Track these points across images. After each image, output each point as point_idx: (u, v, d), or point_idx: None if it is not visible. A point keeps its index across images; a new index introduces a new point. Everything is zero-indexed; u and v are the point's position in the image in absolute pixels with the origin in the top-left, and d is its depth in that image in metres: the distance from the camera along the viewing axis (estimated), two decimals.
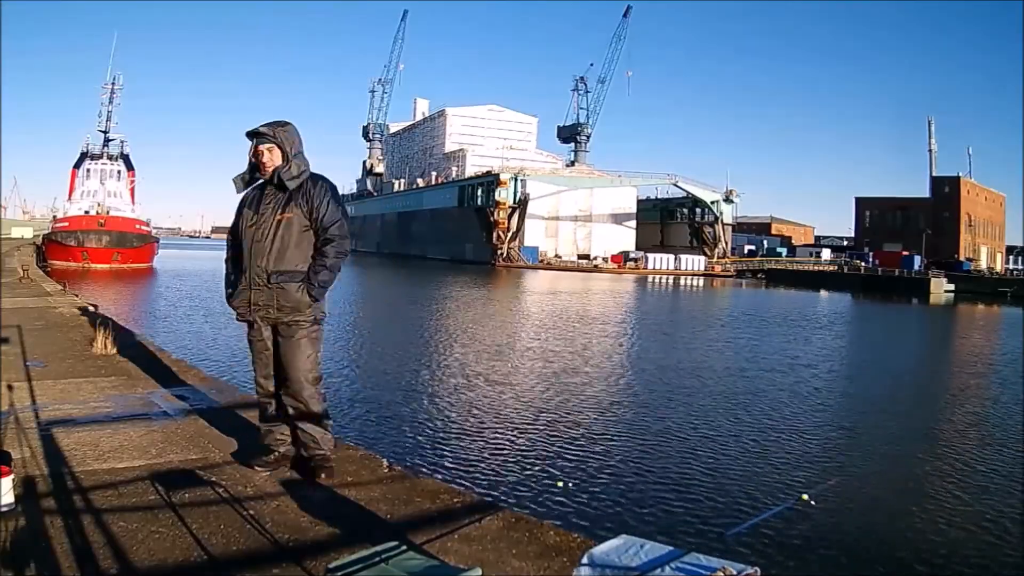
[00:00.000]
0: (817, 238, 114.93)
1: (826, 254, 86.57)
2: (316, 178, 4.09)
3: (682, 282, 64.45)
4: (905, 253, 75.13)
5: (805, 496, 2.43)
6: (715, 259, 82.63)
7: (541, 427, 10.01)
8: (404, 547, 2.28)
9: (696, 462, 8.73)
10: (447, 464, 8.18)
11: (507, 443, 9.15)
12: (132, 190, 49.79)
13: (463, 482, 7.21)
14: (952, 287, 58.91)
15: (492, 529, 3.50)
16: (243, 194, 4.21)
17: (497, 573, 3.03)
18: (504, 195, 78.98)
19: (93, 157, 48.91)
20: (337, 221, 4.05)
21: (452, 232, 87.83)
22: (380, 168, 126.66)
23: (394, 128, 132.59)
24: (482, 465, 8.20)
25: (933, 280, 58.57)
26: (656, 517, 6.82)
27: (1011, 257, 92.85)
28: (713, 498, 7.45)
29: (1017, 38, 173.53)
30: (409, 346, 17.68)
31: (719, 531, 5.90)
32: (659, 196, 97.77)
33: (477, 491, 6.62)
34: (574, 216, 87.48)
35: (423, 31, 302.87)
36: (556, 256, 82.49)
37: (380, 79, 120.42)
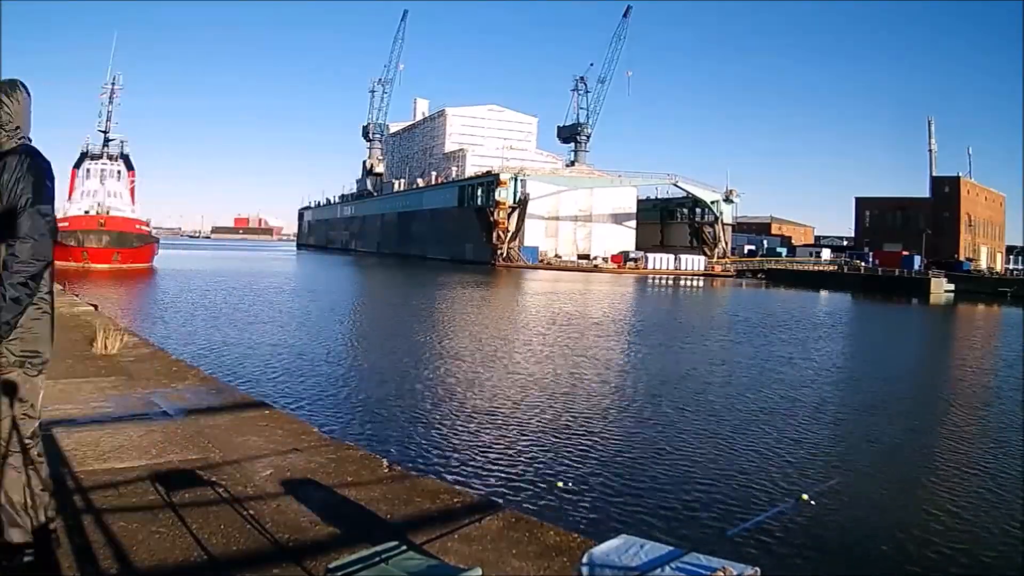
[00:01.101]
0: (817, 238, 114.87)
1: (826, 254, 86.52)
2: (23, 151, 2.83)
3: (682, 282, 64.45)
4: (905, 253, 75.06)
5: (805, 496, 2.41)
6: (715, 259, 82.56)
7: (541, 427, 10.01)
8: (404, 547, 2.28)
9: (696, 462, 8.73)
10: (447, 464, 8.17)
11: (507, 443, 9.14)
12: (132, 190, 49.82)
13: (463, 482, 7.20)
14: (952, 287, 58.87)
15: (492, 529, 3.50)
16: None
17: (497, 573, 3.03)
18: (504, 195, 78.92)
19: (93, 157, 48.93)
20: (24, 209, 2.70)
21: (452, 232, 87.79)
22: (380, 168, 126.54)
23: (394, 128, 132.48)
24: (482, 465, 8.20)
25: (933, 280, 58.53)
26: (656, 517, 6.82)
27: (1011, 257, 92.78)
28: (713, 498, 7.44)
29: (1017, 38, 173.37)
30: (408, 347, 17.67)
31: (719, 531, 5.89)
32: (659, 196, 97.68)
33: (477, 491, 6.62)
34: (574, 216, 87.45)
35: (423, 31, 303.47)
36: (556, 256, 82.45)
37: (380, 79, 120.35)
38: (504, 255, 76.87)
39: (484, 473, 7.91)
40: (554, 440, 9.35)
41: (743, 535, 4.93)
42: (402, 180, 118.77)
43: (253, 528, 3.38)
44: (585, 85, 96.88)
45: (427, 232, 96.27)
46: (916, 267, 69.89)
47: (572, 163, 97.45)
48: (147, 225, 48.21)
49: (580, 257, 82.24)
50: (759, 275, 74.72)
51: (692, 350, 19.28)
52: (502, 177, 79.51)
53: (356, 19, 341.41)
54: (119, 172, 49.13)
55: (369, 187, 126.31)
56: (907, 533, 6.82)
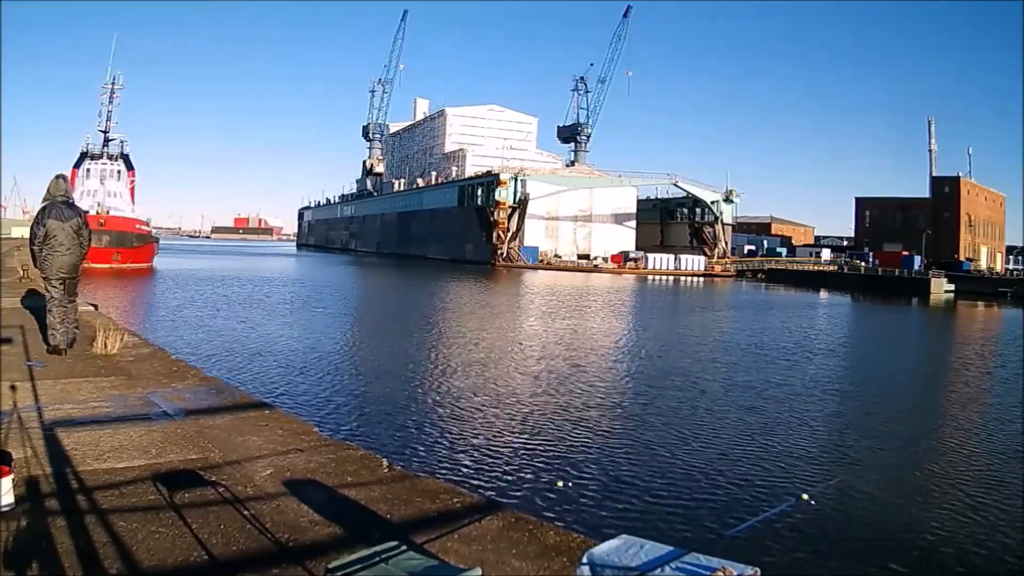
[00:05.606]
0: (817, 238, 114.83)
1: (826, 254, 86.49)
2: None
3: (682, 282, 64.39)
4: (905, 253, 75.02)
5: (805, 496, 2.41)
6: (715, 259, 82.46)
7: (541, 427, 10.01)
8: (404, 547, 2.28)
9: (696, 462, 8.73)
10: (447, 464, 8.18)
11: (507, 443, 9.14)
12: (132, 190, 49.80)
13: (463, 482, 7.20)
14: (952, 287, 58.79)
15: (492, 529, 3.50)
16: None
17: (497, 573, 3.03)
18: (504, 195, 78.91)
19: (93, 157, 48.89)
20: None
21: (452, 232, 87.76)
22: (380, 168, 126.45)
23: (394, 128, 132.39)
24: (482, 465, 8.20)
25: (933, 280, 58.45)
26: (656, 517, 6.82)
27: (1011, 257, 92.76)
28: (713, 498, 7.45)
29: (1017, 38, 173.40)
30: (408, 347, 17.66)
31: (719, 531, 5.89)
32: (659, 196, 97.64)
33: (477, 491, 6.61)
34: (574, 216, 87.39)
35: (423, 31, 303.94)
36: (556, 256, 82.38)
37: (380, 79, 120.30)
38: (504, 255, 76.85)
39: (484, 473, 7.91)
40: (554, 440, 9.35)
41: (743, 535, 4.93)
42: (402, 180, 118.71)
43: (253, 528, 3.38)
44: (585, 85, 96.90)
45: (427, 232, 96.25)
46: (916, 267, 69.87)
47: (572, 163, 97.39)
48: (147, 225, 48.21)
49: (580, 257, 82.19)
50: (759, 275, 74.68)
51: (690, 352, 19.26)
52: (502, 177, 79.47)
53: (356, 19, 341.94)
54: (119, 172, 49.09)
55: (369, 187, 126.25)
56: (907, 533, 6.82)
